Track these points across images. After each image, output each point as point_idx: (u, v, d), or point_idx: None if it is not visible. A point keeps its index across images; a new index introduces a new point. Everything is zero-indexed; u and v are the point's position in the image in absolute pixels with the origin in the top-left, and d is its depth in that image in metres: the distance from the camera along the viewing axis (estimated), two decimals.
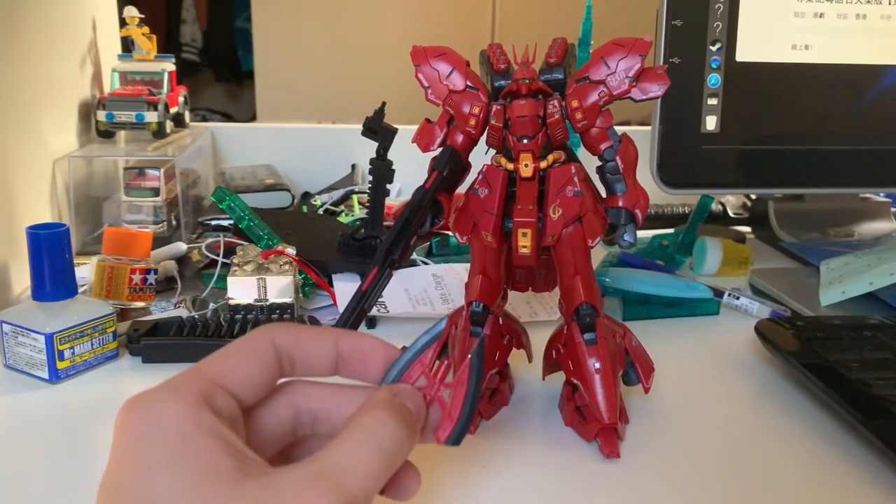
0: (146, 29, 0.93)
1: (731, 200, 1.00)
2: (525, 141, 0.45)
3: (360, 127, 0.71)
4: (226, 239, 0.74)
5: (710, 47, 0.75)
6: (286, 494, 0.25)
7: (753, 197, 0.97)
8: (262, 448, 0.32)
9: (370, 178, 0.73)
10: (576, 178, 0.46)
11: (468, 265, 0.51)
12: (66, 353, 0.55)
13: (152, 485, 0.25)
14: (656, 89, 0.46)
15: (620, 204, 0.47)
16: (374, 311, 0.65)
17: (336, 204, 0.95)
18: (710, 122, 0.76)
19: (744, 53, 0.75)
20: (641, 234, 0.59)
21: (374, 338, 0.34)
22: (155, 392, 0.28)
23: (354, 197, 0.96)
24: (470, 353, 0.33)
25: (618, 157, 0.47)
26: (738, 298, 0.70)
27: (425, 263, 0.76)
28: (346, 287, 0.68)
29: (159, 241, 0.77)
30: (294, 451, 0.34)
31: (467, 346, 0.47)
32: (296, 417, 0.33)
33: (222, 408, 0.28)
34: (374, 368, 0.33)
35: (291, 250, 0.65)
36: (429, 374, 0.33)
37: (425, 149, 0.49)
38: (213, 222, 0.88)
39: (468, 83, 0.47)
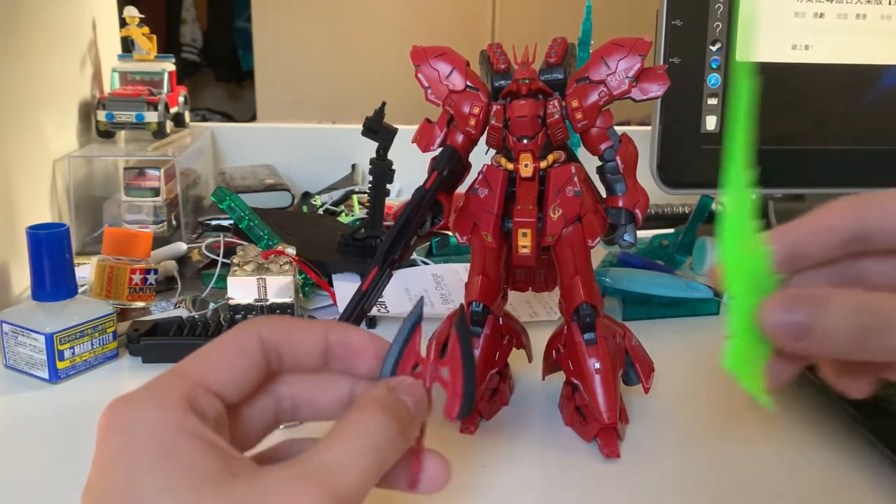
0: (146, 29, 0.93)
1: None
2: (525, 141, 0.45)
3: (360, 127, 0.71)
4: (226, 239, 0.74)
5: (711, 47, 0.75)
6: (274, 493, 0.25)
7: (753, 197, 0.97)
8: (246, 439, 0.32)
9: (370, 178, 0.73)
10: (576, 178, 0.46)
11: (468, 265, 0.51)
12: (66, 353, 0.55)
13: (137, 488, 0.25)
14: (656, 89, 0.46)
15: (620, 204, 0.47)
16: (374, 311, 0.65)
17: (336, 204, 0.95)
18: (711, 122, 0.76)
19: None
20: (641, 234, 0.59)
21: (364, 331, 0.33)
22: (136, 395, 0.27)
23: (354, 197, 0.96)
24: (455, 325, 0.32)
25: (618, 157, 0.47)
26: None
27: (425, 263, 0.76)
28: (346, 287, 0.68)
29: (159, 241, 0.77)
30: (282, 450, 0.33)
31: None
32: (277, 405, 0.32)
33: (206, 409, 0.28)
34: (364, 362, 0.33)
35: (291, 250, 0.65)
36: (422, 358, 0.32)
37: (425, 149, 0.49)
38: (213, 222, 0.88)
39: (468, 83, 0.47)
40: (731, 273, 0.29)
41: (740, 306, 0.29)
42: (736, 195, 0.30)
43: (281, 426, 0.34)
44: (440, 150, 0.48)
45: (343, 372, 0.33)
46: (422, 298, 0.34)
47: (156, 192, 0.83)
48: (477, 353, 0.48)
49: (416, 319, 0.33)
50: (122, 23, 0.93)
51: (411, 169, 0.70)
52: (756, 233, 0.30)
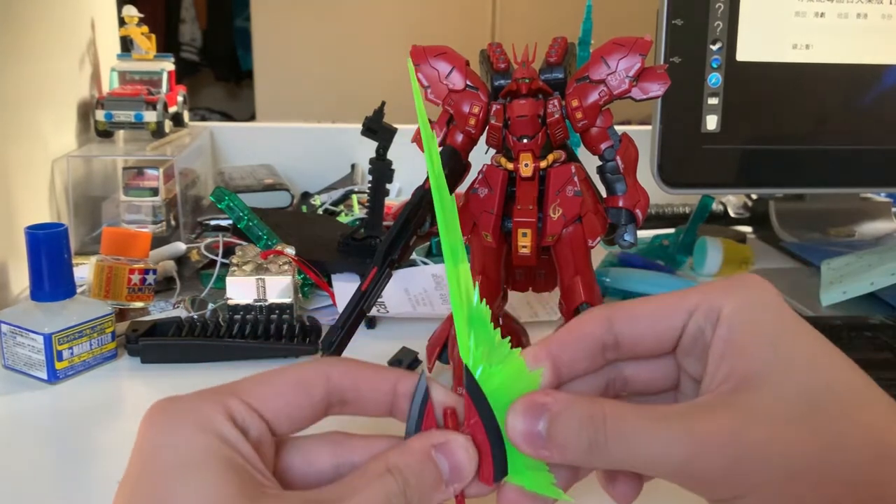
0: (145, 28, 0.93)
1: (731, 200, 1.00)
2: (525, 140, 0.45)
3: (360, 127, 0.71)
4: (225, 239, 0.74)
5: (711, 47, 0.75)
6: None
7: (754, 197, 0.97)
8: (297, 471, 0.30)
9: (370, 177, 0.73)
10: (576, 178, 0.46)
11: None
12: (65, 354, 0.54)
13: (167, 492, 0.25)
14: (657, 89, 0.46)
15: (621, 204, 0.47)
16: (373, 312, 0.64)
17: (335, 204, 0.95)
18: (711, 122, 0.76)
19: (744, 53, 0.75)
20: (642, 234, 0.58)
21: (431, 380, 0.31)
22: (181, 399, 0.28)
23: (354, 197, 0.96)
24: (464, 388, 0.31)
25: (618, 157, 0.47)
26: None
27: (425, 263, 0.76)
28: (345, 287, 0.68)
29: (158, 241, 0.77)
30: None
31: None
32: (337, 470, 0.31)
33: (249, 427, 0.28)
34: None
35: (291, 250, 0.65)
36: (440, 429, 0.31)
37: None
38: (213, 222, 0.88)
39: (468, 82, 0.47)
40: (492, 392, 0.30)
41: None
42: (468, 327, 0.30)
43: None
44: (440, 149, 0.48)
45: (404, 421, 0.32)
46: (422, 373, 0.32)
47: (154, 191, 0.83)
48: None
49: (423, 397, 0.31)
50: (121, 22, 0.93)
51: (411, 169, 0.70)
52: (510, 353, 0.31)
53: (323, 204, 0.95)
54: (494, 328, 0.31)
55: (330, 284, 0.69)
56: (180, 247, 0.77)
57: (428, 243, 0.80)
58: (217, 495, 0.25)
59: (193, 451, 0.26)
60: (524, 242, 0.46)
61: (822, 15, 0.76)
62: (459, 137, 0.48)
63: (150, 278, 0.66)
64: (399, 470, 0.28)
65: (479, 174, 0.47)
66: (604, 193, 0.48)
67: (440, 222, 0.31)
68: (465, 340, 0.30)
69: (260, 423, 0.28)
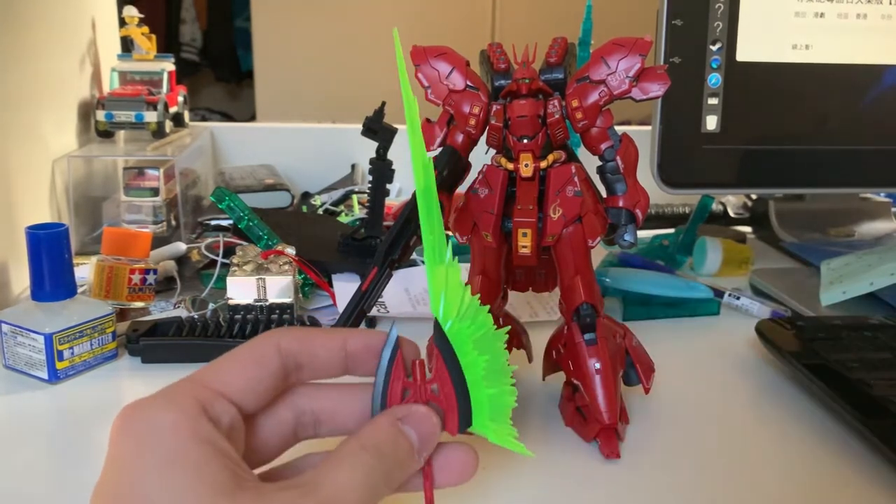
0: (146, 28, 0.93)
1: (731, 200, 1.00)
2: (525, 141, 0.45)
3: (360, 127, 0.71)
4: (225, 239, 0.74)
5: (711, 47, 0.75)
6: None
7: (754, 197, 0.97)
8: (263, 452, 0.32)
9: (370, 177, 0.73)
10: (576, 178, 0.46)
11: (468, 265, 0.51)
12: (66, 354, 0.55)
13: (146, 493, 0.25)
14: (657, 89, 0.46)
15: (621, 204, 0.47)
16: (374, 311, 0.64)
17: (336, 204, 0.95)
18: (711, 122, 0.76)
19: (744, 53, 0.75)
20: (642, 234, 0.59)
21: (381, 332, 0.33)
22: (151, 400, 0.28)
23: (354, 197, 0.96)
24: (434, 341, 0.32)
25: (618, 157, 0.47)
26: (738, 298, 0.70)
27: (425, 263, 0.76)
28: (345, 287, 0.68)
29: (159, 241, 0.77)
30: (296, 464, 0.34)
31: None
32: (297, 419, 0.32)
33: (220, 416, 0.28)
34: None
35: (291, 250, 0.65)
36: (409, 382, 0.32)
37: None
38: (213, 222, 0.88)
39: (468, 83, 0.47)
40: (460, 346, 0.32)
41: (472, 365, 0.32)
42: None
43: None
44: (440, 150, 0.48)
45: (365, 375, 0.33)
46: (394, 325, 0.33)
47: (155, 191, 0.83)
48: None
49: (394, 349, 0.32)
50: (122, 22, 0.93)
51: (411, 169, 0.70)
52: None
53: (323, 204, 0.95)
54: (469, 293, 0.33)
55: (330, 284, 0.69)
56: (181, 247, 0.77)
57: None
58: (196, 493, 0.25)
59: (169, 451, 0.26)
60: (524, 242, 0.46)
61: (822, 15, 0.76)
62: (459, 138, 0.48)
63: (151, 278, 0.66)
64: (374, 446, 0.29)
65: (479, 174, 0.47)
66: (604, 193, 0.48)
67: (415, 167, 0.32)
68: (437, 296, 0.32)
69: (230, 407, 0.29)
